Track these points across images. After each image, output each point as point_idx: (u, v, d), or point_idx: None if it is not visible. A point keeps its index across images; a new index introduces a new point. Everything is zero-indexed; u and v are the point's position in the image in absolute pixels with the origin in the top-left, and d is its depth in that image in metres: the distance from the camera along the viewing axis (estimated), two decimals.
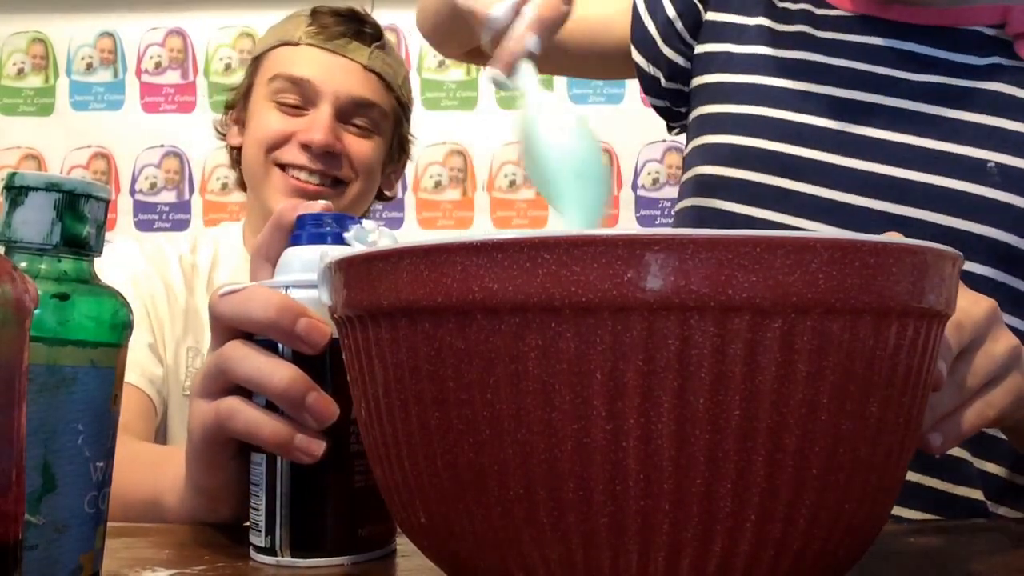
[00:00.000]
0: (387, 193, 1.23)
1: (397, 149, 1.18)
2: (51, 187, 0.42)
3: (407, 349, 0.40)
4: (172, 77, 2.36)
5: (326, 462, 0.52)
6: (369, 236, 0.55)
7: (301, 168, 1.08)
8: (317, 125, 1.07)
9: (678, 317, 0.35)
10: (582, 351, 0.36)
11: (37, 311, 0.36)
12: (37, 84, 2.32)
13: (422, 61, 2.30)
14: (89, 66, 2.32)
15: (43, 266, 0.42)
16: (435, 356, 0.39)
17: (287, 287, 0.54)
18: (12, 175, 0.42)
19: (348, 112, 1.10)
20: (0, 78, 2.32)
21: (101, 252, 0.44)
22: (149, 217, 2.28)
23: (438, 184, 2.32)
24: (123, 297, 0.45)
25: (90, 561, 0.43)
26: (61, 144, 2.30)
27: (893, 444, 0.41)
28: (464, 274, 0.37)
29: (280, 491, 0.53)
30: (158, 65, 2.32)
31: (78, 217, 0.43)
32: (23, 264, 0.42)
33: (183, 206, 2.29)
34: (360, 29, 1.12)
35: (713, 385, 0.36)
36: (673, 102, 0.90)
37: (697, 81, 0.85)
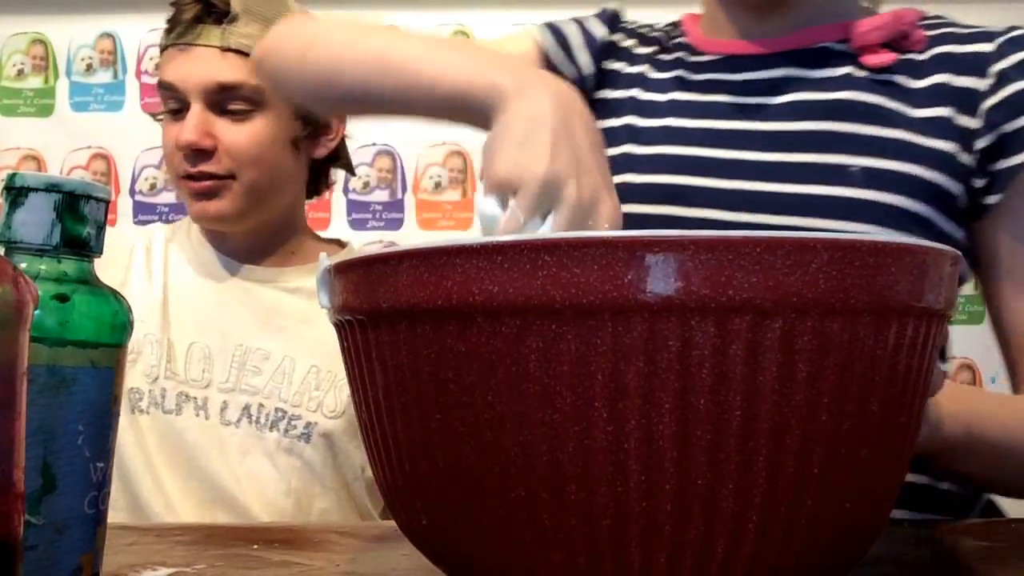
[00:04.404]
0: (315, 157, 1.15)
1: (301, 115, 1.11)
2: (51, 188, 0.42)
3: (408, 352, 0.40)
4: None
5: None
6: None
7: (187, 174, 1.07)
8: (186, 125, 1.05)
9: (679, 318, 0.35)
10: (583, 353, 0.36)
11: (37, 312, 0.36)
12: (37, 85, 2.32)
13: None
14: (89, 67, 2.32)
15: (43, 267, 0.42)
16: (436, 358, 0.39)
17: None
18: (12, 176, 0.42)
19: (218, 101, 1.07)
20: (0, 79, 2.32)
21: (101, 253, 0.44)
22: (149, 218, 2.28)
23: (438, 185, 2.32)
24: (123, 297, 0.45)
25: (90, 561, 0.43)
26: (61, 145, 2.29)
27: (894, 444, 0.41)
28: (465, 277, 0.37)
29: None
30: (158, 66, 2.32)
31: (78, 218, 0.43)
32: (23, 265, 0.42)
33: (182, 207, 2.29)
34: (208, 11, 1.08)
35: (714, 386, 0.36)
36: None
37: None
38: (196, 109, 1.06)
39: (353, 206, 2.25)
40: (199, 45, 1.08)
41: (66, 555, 0.42)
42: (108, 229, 0.46)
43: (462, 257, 0.37)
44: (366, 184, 2.24)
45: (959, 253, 0.42)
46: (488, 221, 0.56)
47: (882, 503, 0.43)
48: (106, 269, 1.00)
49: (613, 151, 0.85)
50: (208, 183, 1.07)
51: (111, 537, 0.46)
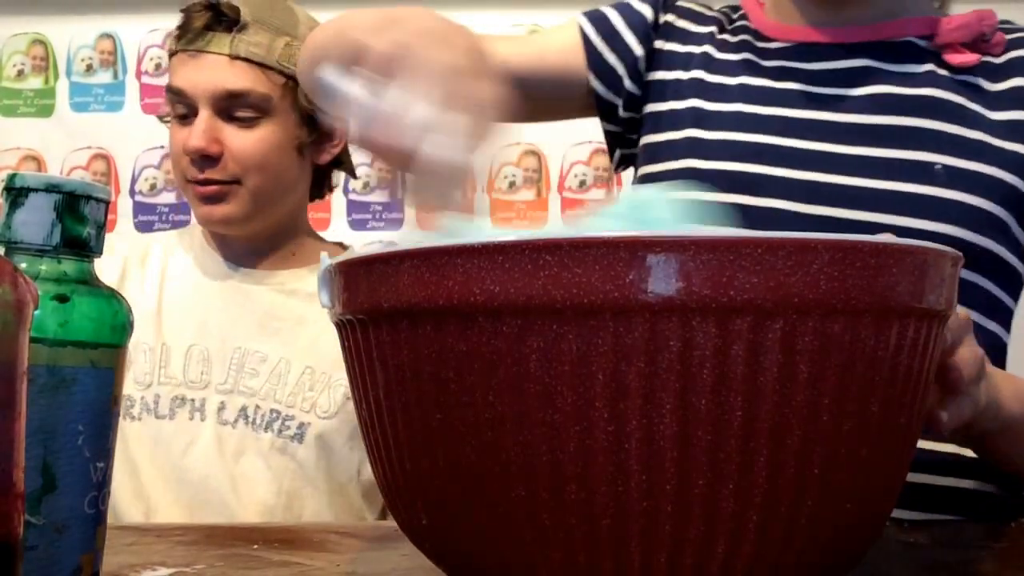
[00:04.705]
0: (319, 163, 1.17)
1: (307, 122, 1.12)
2: (51, 188, 0.42)
3: (409, 351, 0.40)
4: None
5: None
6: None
7: (194, 180, 1.09)
8: (194, 131, 1.07)
9: (680, 318, 0.35)
10: (584, 353, 0.36)
11: (37, 312, 0.36)
12: (37, 85, 2.32)
13: None
14: (89, 67, 2.32)
15: (43, 267, 0.42)
16: (437, 358, 0.39)
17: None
18: (12, 176, 0.42)
19: (226, 107, 1.09)
20: (0, 79, 2.32)
21: (101, 253, 0.44)
22: (149, 218, 2.28)
23: None
24: (123, 298, 0.45)
25: (90, 561, 0.43)
26: (61, 145, 2.29)
27: (894, 444, 0.41)
28: (466, 276, 0.37)
29: None
30: (158, 66, 2.32)
31: (78, 218, 0.43)
32: (23, 265, 0.42)
33: (183, 207, 2.29)
34: (218, 19, 1.09)
35: (715, 386, 0.36)
36: (626, 129, 0.92)
37: (649, 109, 0.89)
38: (204, 115, 1.08)
39: (353, 206, 2.25)
40: (209, 52, 1.09)
41: (66, 555, 0.42)
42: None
43: (463, 257, 0.37)
44: (366, 184, 2.24)
45: (960, 254, 0.42)
46: (326, 88, 0.56)
47: (882, 503, 0.43)
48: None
49: (676, 135, 0.83)
50: (215, 188, 1.08)
51: (111, 537, 0.46)
